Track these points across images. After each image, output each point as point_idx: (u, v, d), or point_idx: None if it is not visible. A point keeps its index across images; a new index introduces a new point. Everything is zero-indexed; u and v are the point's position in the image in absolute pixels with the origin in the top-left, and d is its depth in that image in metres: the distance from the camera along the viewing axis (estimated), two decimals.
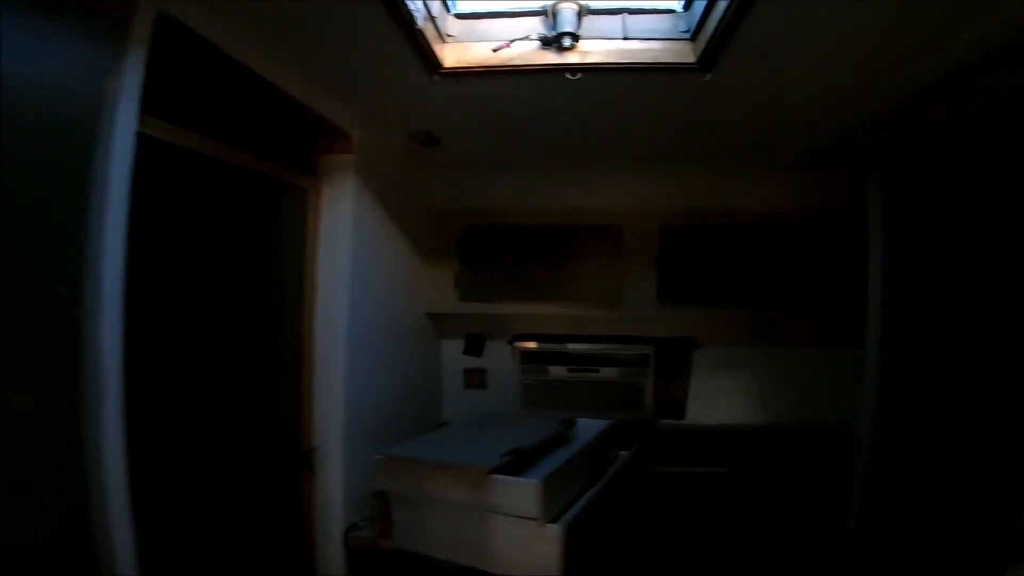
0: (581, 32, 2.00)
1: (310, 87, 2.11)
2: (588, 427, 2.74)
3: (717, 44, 1.78)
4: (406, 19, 1.70)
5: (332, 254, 2.46)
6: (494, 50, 1.99)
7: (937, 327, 2.16)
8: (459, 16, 2.12)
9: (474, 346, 3.84)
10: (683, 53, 1.97)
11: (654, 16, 2.08)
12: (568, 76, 2.00)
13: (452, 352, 3.89)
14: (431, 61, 1.95)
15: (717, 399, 3.77)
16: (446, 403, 3.91)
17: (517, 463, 2.14)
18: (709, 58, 1.86)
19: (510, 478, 2.02)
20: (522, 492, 1.97)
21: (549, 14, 2.03)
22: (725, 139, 2.69)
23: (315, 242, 2.44)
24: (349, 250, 2.46)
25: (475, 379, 3.88)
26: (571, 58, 2.00)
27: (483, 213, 3.51)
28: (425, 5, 1.85)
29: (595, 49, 2.02)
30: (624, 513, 2.74)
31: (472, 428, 2.73)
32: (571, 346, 3.66)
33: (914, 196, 2.33)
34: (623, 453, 2.84)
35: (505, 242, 3.50)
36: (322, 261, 2.46)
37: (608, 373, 3.63)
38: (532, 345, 3.68)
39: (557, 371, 3.66)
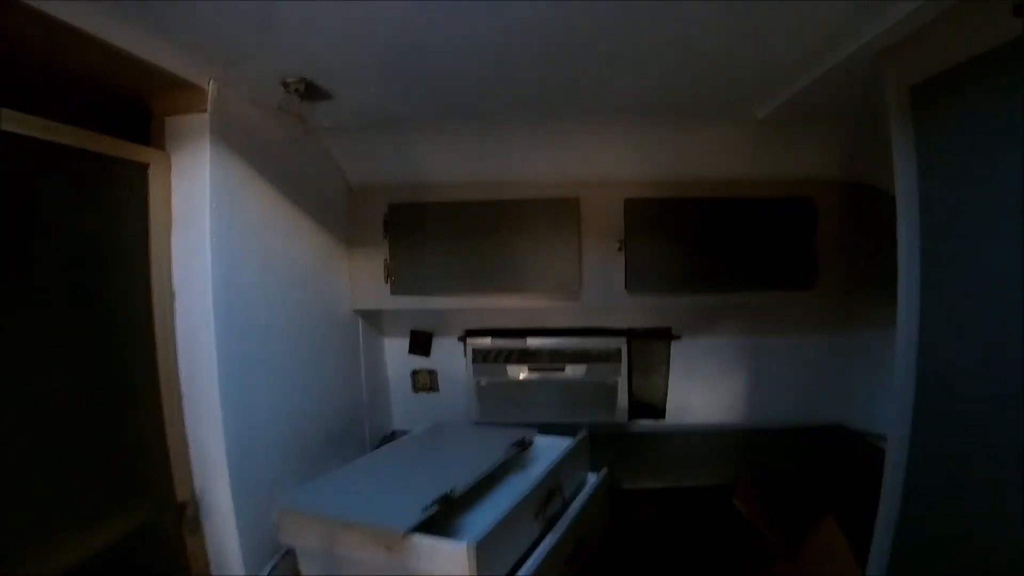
0: None
1: (127, 24, 1.53)
2: (547, 447, 2.24)
3: None
4: None
5: (188, 244, 1.91)
6: None
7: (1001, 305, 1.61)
8: None
9: (420, 344, 3.35)
10: None
11: None
12: None
13: (397, 351, 3.43)
14: None
15: (700, 396, 3.36)
16: (396, 409, 3.48)
17: (449, 510, 1.73)
18: None
19: (434, 540, 1.61)
20: (450, 557, 1.57)
21: None
22: (701, 78, 2.12)
23: (167, 231, 1.87)
24: (208, 236, 1.91)
25: (424, 381, 3.42)
26: None
27: (411, 188, 2.96)
28: None
29: None
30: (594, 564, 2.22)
31: (405, 454, 2.22)
32: (531, 341, 3.18)
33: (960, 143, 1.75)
34: (592, 477, 2.33)
35: (440, 223, 2.94)
36: (178, 254, 1.90)
37: (575, 371, 3.16)
38: (486, 341, 3.19)
39: (516, 371, 3.20)
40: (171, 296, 1.88)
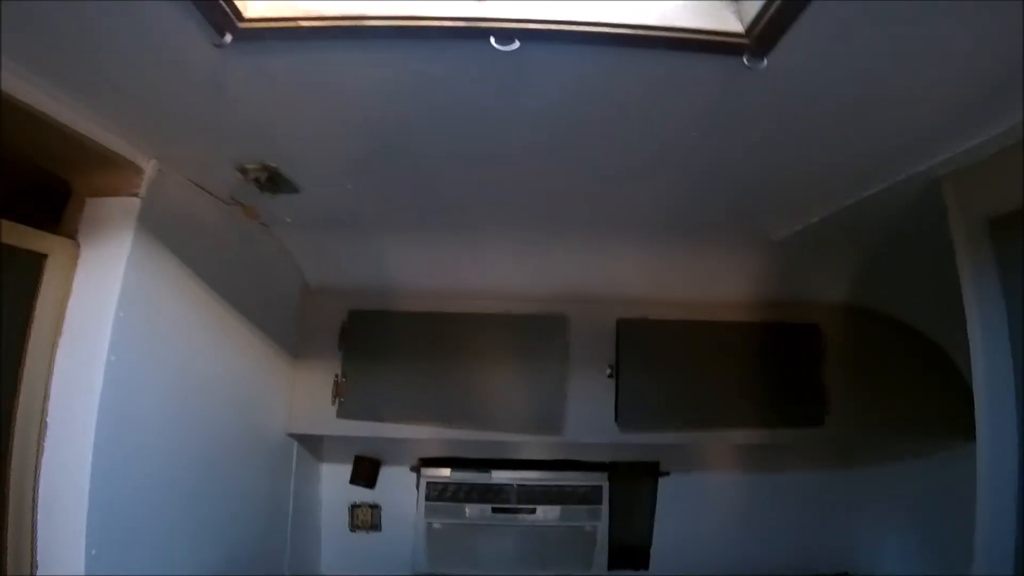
0: None
1: (53, 84, 1.17)
2: None
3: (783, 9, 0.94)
4: None
5: (77, 362, 1.45)
6: None
7: None
8: None
9: (364, 474, 2.87)
10: (718, 16, 1.09)
11: None
12: (494, 44, 1.07)
13: (335, 480, 2.90)
14: (220, 12, 1.00)
15: (689, 542, 2.95)
16: (326, 550, 2.89)
17: None
18: (768, 31, 1.02)
19: None
20: None
21: None
22: (730, 200, 1.87)
23: (51, 343, 1.42)
24: (104, 354, 1.44)
25: (365, 518, 2.90)
26: (498, 9, 1.08)
27: (376, 294, 2.58)
28: None
29: None
30: None
31: None
32: (497, 475, 2.74)
33: None
34: None
35: (405, 336, 2.55)
36: (60, 375, 1.44)
37: (547, 513, 2.72)
38: (443, 474, 2.74)
39: (477, 511, 2.73)
40: (40, 430, 1.41)
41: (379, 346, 2.53)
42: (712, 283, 2.61)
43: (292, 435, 2.54)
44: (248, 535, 2.24)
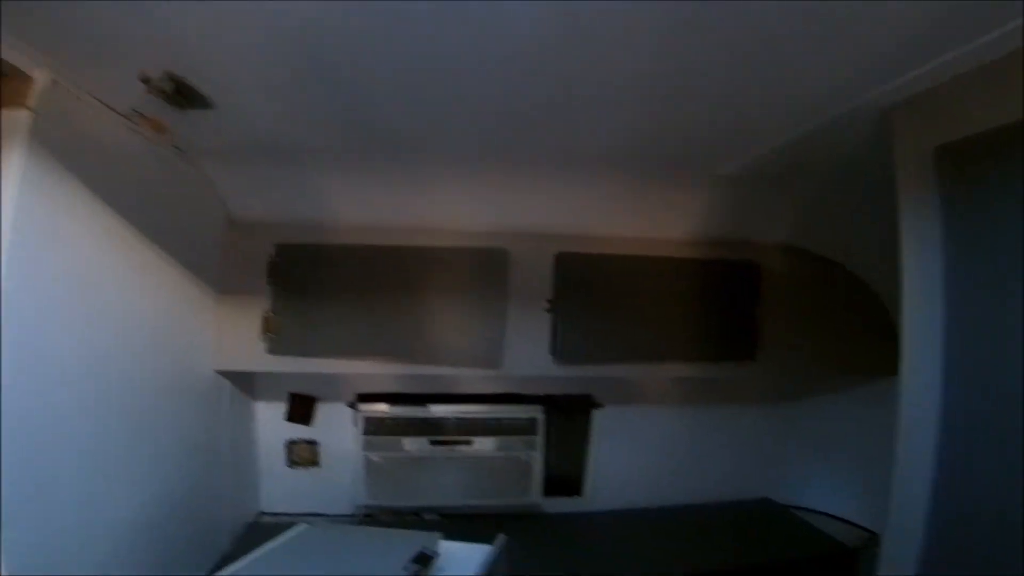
0: None
1: None
2: (457, 560, 1.80)
3: None
4: None
5: None
6: None
7: None
8: None
9: (300, 411, 2.83)
10: None
11: None
12: None
13: (271, 418, 2.85)
14: None
15: (622, 472, 3.05)
16: (267, 488, 2.87)
17: None
18: None
19: None
20: None
21: None
22: (682, 133, 1.87)
23: None
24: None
25: (303, 455, 2.87)
26: None
27: (306, 227, 2.48)
28: None
29: None
30: None
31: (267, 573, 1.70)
32: (434, 409, 2.75)
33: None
34: None
35: (339, 270, 2.48)
36: None
37: (484, 445, 2.76)
38: (381, 409, 2.73)
39: (415, 444, 2.74)
40: None
41: (311, 281, 2.46)
42: (655, 220, 2.61)
43: (221, 373, 2.46)
44: (183, 475, 2.19)
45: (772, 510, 3.06)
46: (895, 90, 1.54)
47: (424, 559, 1.68)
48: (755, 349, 2.71)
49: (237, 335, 2.44)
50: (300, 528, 1.90)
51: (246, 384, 2.70)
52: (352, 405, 2.79)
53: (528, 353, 2.58)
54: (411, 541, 1.78)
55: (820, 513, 2.94)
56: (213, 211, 2.38)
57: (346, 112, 1.73)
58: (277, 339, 2.43)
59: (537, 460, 2.82)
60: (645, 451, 3.05)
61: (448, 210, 2.50)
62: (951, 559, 1.51)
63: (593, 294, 2.60)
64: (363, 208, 2.46)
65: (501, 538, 1.90)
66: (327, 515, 2.80)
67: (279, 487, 2.85)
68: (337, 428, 2.82)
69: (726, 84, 1.53)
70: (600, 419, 2.98)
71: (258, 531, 2.56)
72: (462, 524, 2.10)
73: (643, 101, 1.63)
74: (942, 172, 1.55)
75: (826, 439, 3.00)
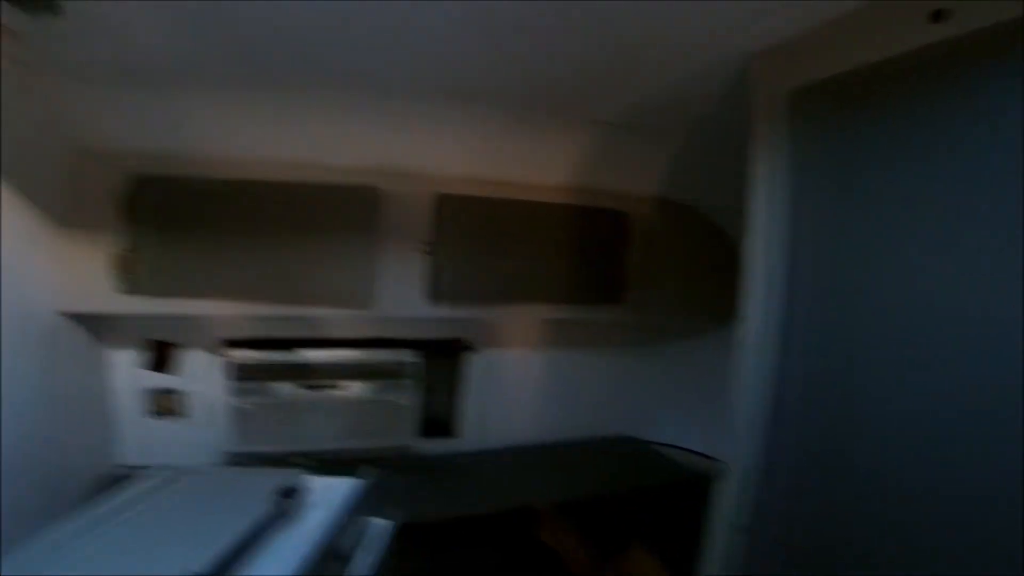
0: None
1: None
2: (324, 492, 1.80)
3: None
4: None
5: None
6: None
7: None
8: None
9: (160, 359, 2.68)
10: None
11: None
12: None
13: (128, 367, 2.66)
14: None
15: (496, 413, 3.16)
16: (127, 440, 2.69)
17: None
18: None
19: None
20: None
21: None
22: (547, 67, 1.89)
23: None
24: None
25: (165, 404, 2.74)
26: None
27: (164, 158, 2.30)
28: None
29: None
30: None
31: (128, 517, 1.62)
32: (306, 355, 2.68)
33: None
34: (381, 525, 1.92)
35: (200, 206, 2.34)
36: None
37: (359, 389, 2.75)
38: (250, 355, 2.64)
39: (285, 389, 2.69)
40: None
41: (172, 217, 2.31)
42: (533, 165, 2.66)
43: (67, 314, 2.27)
44: (23, 423, 2.03)
45: (635, 446, 3.29)
46: (754, 39, 1.65)
47: (290, 491, 1.67)
48: (622, 293, 2.87)
49: (85, 274, 2.25)
50: (162, 471, 1.83)
51: (98, 328, 2.51)
52: (218, 351, 2.68)
53: (402, 294, 2.58)
54: (278, 477, 1.76)
55: (679, 448, 3.19)
56: (60, 136, 2.15)
57: (217, 28, 1.63)
58: (132, 278, 2.28)
59: (411, 403, 2.86)
60: (518, 392, 3.18)
61: (323, 147, 2.42)
62: (783, 483, 1.70)
63: (471, 237, 2.64)
64: (231, 141, 2.33)
65: (368, 471, 1.91)
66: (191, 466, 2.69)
67: (139, 438, 2.69)
68: (202, 376, 2.70)
69: (590, 28, 1.58)
70: (474, 362, 3.05)
71: (113, 484, 2.43)
72: (334, 467, 2.10)
73: (506, 35, 1.66)
74: (794, 115, 1.69)
75: (687, 380, 3.25)
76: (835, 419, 1.55)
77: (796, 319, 1.69)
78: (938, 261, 1.29)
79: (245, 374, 2.65)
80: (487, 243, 2.67)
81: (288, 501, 1.65)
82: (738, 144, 1.87)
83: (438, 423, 3.03)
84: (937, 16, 1.25)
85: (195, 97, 2.13)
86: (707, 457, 2.98)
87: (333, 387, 2.74)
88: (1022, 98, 1.11)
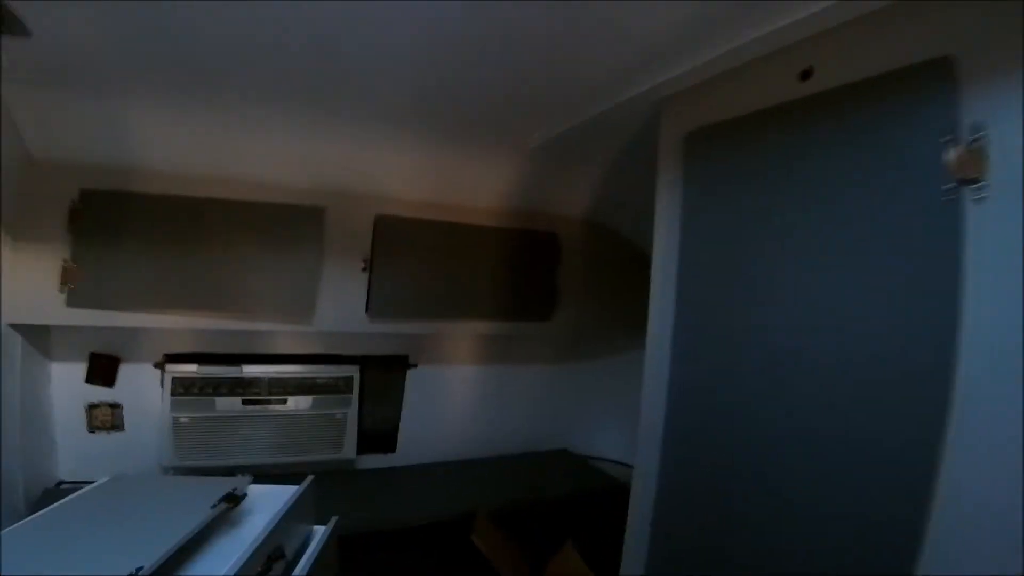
0: None
1: None
2: (265, 498, 1.89)
3: None
4: None
5: None
6: None
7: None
8: None
9: (102, 372, 2.72)
10: None
11: None
12: None
13: (69, 380, 2.69)
14: None
15: (434, 428, 3.29)
16: (65, 454, 2.71)
17: None
18: None
19: None
20: None
21: None
22: (482, 97, 2.09)
23: None
24: None
25: (105, 418, 2.78)
26: None
27: (115, 172, 2.39)
28: None
29: None
30: None
31: (73, 520, 1.69)
32: (248, 369, 2.77)
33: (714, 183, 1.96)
34: (319, 530, 2.03)
35: (148, 220, 2.43)
36: None
37: (299, 404, 2.85)
38: (191, 369, 2.71)
39: (226, 404, 2.77)
40: None
41: (117, 230, 2.39)
42: (470, 189, 2.86)
43: (13, 326, 2.33)
44: None
45: (568, 458, 3.46)
46: (663, 86, 1.87)
47: (232, 498, 1.76)
48: (552, 310, 3.08)
49: (32, 285, 2.31)
50: (106, 479, 1.89)
51: (40, 341, 2.56)
52: (160, 365, 2.74)
53: (342, 310, 2.71)
54: (220, 484, 1.85)
55: (610, 460, 3.37)
56: (8, 145, 2.19)
57: (154, 34, 1.69)
58: (77, 290, 2.35)
59: (351, 418, 2.95)
60: (456, 408, 3.32)
61: (268, 165, 2.54)
62: (676, 485, 1.92)
63: (409, 256, 2.80)
64: (178, 157, 2.43)
65: (309, 478, 2.02)
66: None
67: (79, 453, 2.70)
68: (143, 390, 2.75)
69: (522, 63, 1.79)
70: (414, 378, 3.18)
71: (56, 499, 2.44)
72: (274, 480, 2.17)
73: (442, 66, 1.83)
74: (687, 155, 1.94)
75: (613, 393, 3.44)
76: (712, 418, 1.78)
77: (685, 334, 1.92)
78: (798, 281, 1.52)
79: (186, 388, 2.70)
80: (424, 262, 2.83)
81: (230, 506, 1.74)
82: (652, 175, 2.10)
83: (377, 437, 3.13)
84: (805, 75, 1.49)
85: (142, 111, 2.23)
86: (629, 466, 3.16)
87: (274, 402, 2.82)
88: (870, 142, 1.35)
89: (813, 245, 1.50)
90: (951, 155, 1.15)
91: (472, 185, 2.85)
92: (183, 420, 2.69)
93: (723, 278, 1.78)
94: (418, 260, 2.81)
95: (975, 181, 1.12)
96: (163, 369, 2.71)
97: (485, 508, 2.64)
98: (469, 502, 2.74)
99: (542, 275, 3.07)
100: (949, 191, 1.16)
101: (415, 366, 3.16)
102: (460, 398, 3.33)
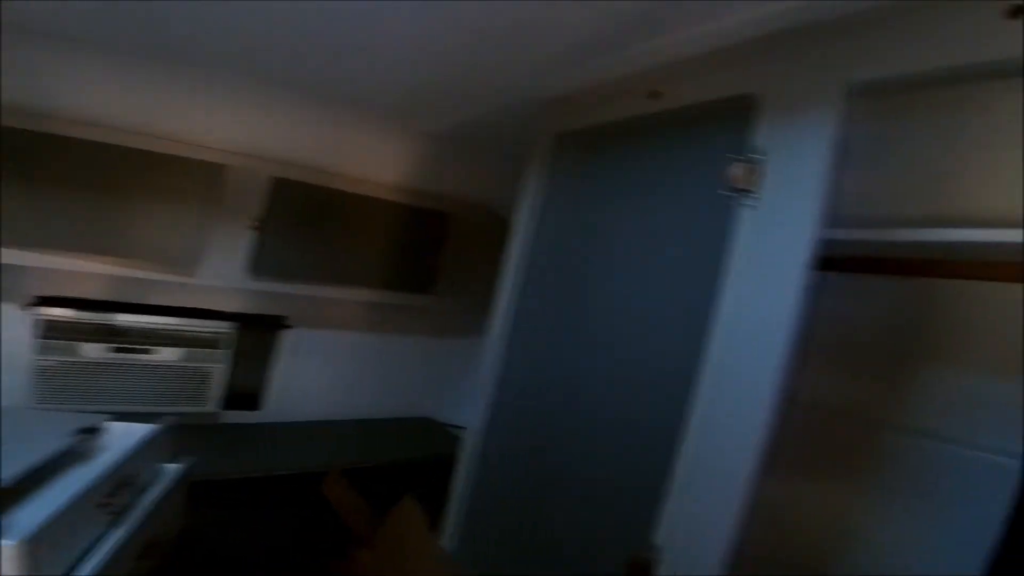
0: None
1: None
2: (122, 435, 2.03)
3: None
4: None
5: None
6: None
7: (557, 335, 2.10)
8: None
9: None
10: None
11: None
12: None
13: None
14: None
15: (303, 388, 3.44)
16: None
17: None
18: None
19: None
20: None
21: None
22: (384, 81, 2.26)
23: None
24: None
25: None
26: None
27: (18, 110, 2.33)
28: None
29: None
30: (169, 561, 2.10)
31: None
32: (122, 318, 2.81)
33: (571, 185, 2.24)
34: (171, 468, 2.19)
35: (51, 162, 2.44)
36: None
37: (168, 355, 2.91)
38: (62, 313, 2.71)
39: (95, 350, 2.78)
40: None
41: (15, 169, 2.39)
42: (368, 162, 2.98)
43: None
44: None
45: (431, 426, 3.71)
46: (544, 88, 2.12)
47: (90, 430, 1.90)
48: (432, 284, 3.35)
49: None
50: None
51: None
52: (29, 306, 2.71)
53: (226, 266, 2.82)
54: (79, 419, 1.97)
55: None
56: None
57: None
58: None
59: (220, 373, 3.04)
60: (327, 372, 3.47)
61: (172, 119, 2.56)
62: (496, 444, 2.25)
63: (300, 220, 2.96)
64: (81, 99, 2.40)
65: (167, 419, 2.17)
66: None
67: None
68: (7, 331, 2.68)
69: (421, 57, 1.97)
70: (288, 339, 3.30)
71: None
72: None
73: (346, 47, 1.96)
74: (554, 155, 2.23)
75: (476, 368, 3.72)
76: (535, 390, 2.12)
77: (522, 318, 2.22)
78: (619, 278, 1.83)
79: (54, 332, 2.69)
80: (315, 228, 3.00)
81: (87, 437, 1.88)
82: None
83: (245, 395, 3.24)
84: (654, 95, 1.78)
85: (47, 51, 2.20)
86: None
87: (143, 351, 2.87)
88: (691, 157, 1.69)
89: (635, 247, 1.82)
90: (733, 170, 1.48)
91: (370, 159, 2.99)
92: (48, 363, 2.68)
93: (562, 270, 2.09)
94: (310, 224, 2.97)
95: (750, 192, 1.46)
96: (33, 310, 2.68)
97: (340, 464, 2.84)
98: (326, 458, 2.94)
99: (427, 252, 3.33)
100: (729, 199, 1.50)
101: (291, 327, 3.28)
102: (334, 362, 3.47)
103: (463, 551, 2.31)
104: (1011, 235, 1.30)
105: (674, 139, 1.77)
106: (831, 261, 1.55)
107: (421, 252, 3.32)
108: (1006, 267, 1.35)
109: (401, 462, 3.13)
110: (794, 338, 1.39)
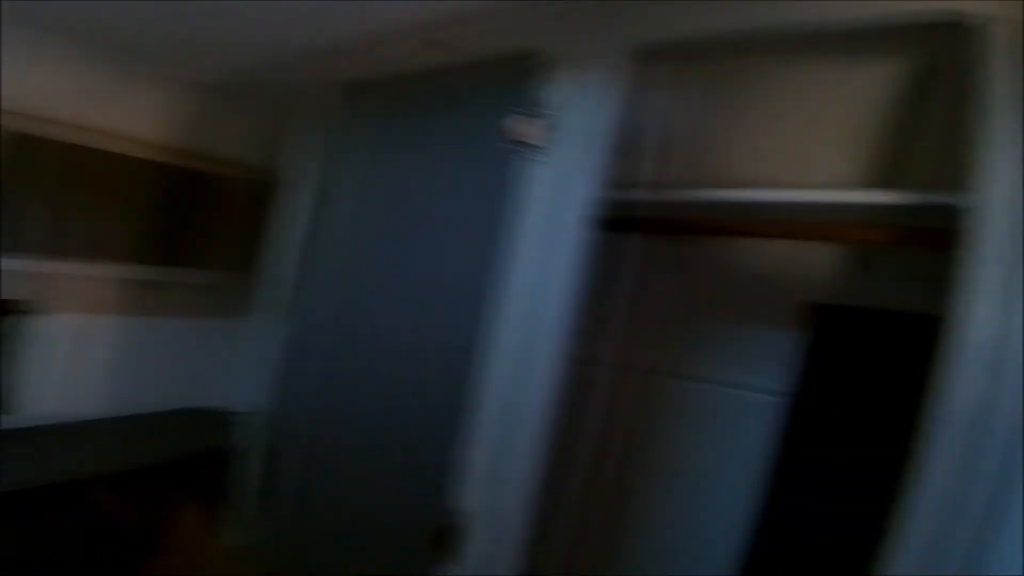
0: None
1: None
2: None
3: None
4: None
5: None
6: None
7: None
8: None
9: None
10: None
11: None
12: None
13: None
14: None
15: (57, 384, 2.87)
16: None
17: None
18: None
19: None
20: None
21: None
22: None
23: None
24: None
25: None
26: None
27: None
28: None
29: None
30: None
31: None
32: None
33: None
34: None
35: None
36: None
37: None
38: None
39: None
40: None
41: None
42: (123, 114, 2.60)
43: None
44: None
45: (200, 415, 3.30)
46: (324, 33, 1.97)
47: None
48: (206, 258, 2.98)
49: None
50: None
51: None
52: None
53: None
54: None
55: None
56: None
57: None
58: None
59: None
60: (86, 362, 2.95)
61: None
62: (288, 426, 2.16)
63: (44, 183, 2.43)
64: None
65: None
66: None
67: None
68: None
69: None
70: (33, 327, 2.72)
71: None
72: None
73: None
74: (343, 108, 2.16)
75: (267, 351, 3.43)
76: (326, 363, 2.08)
77: (310, 284, 2.16)
78: (412, 238, 1.77)
79: None
80: (61, 191, 2.48)
81: None
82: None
83: None
84: (436, 44, 1.74)
85: None
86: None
87: None
88: (475, 112, 1.66)
89: (425, 207, 1.76)
90: (520, 125, 1.46)
91: (129, 111, 2.61)
92: None
93: (353, 232, 1.98)
94: (55, 189, 2.45)
95: (539, 148, 1.44)
96: None
97: (104, 471, 2.49)
98: (88, 465, 2.51)
99: (198, 219, 2.93)
100: (511, 153, 1.48)
101: (33, 313, 2.69)
102: (92, 352, 2.95)
103: (267, 538, 2.18)
104: (784, 195, 1.46)
105: (463, 93, 1.74)
106: (625, 222, 1.62)
107: (189, 221, 2.90)
108: (781, 225, 1.50)
109: (174, 459, 2.76)
110: (580, 294, 1.42)
